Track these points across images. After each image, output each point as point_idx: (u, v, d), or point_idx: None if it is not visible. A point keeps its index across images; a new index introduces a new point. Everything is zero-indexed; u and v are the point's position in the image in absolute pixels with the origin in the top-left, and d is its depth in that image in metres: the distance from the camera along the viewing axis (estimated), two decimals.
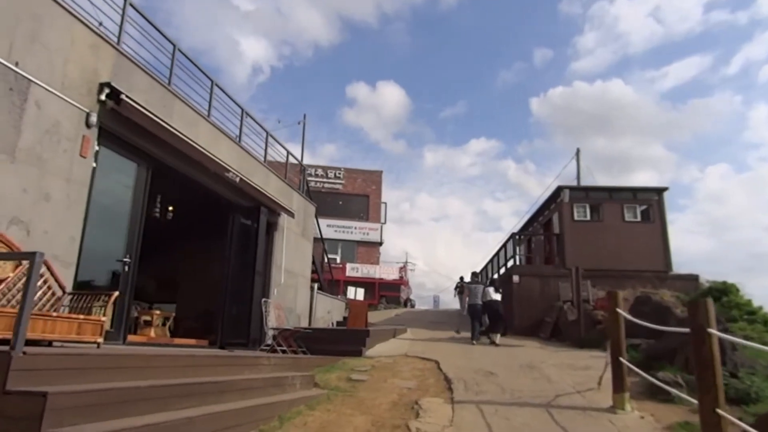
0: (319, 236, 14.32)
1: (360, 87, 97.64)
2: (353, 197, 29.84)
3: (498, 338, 10.77)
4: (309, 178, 29.83)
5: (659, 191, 15.42)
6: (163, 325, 8.75)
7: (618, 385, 5.06)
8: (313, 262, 13.14)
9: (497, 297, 11.46)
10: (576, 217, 14.99)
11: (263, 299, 8.27)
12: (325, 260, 14.86)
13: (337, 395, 5.48)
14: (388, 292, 27.68)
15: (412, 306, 28.41)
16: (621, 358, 5.12)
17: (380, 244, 29.81)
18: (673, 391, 5.07)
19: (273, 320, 8.57)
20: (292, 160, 11.72)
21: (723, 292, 12.79)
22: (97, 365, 3.17)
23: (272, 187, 9.60)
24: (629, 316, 5.31)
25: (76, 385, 2.78)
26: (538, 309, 13.65)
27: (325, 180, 29.65)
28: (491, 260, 18.91)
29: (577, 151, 24.16)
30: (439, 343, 10.86)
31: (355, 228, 28.99)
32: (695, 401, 4.61)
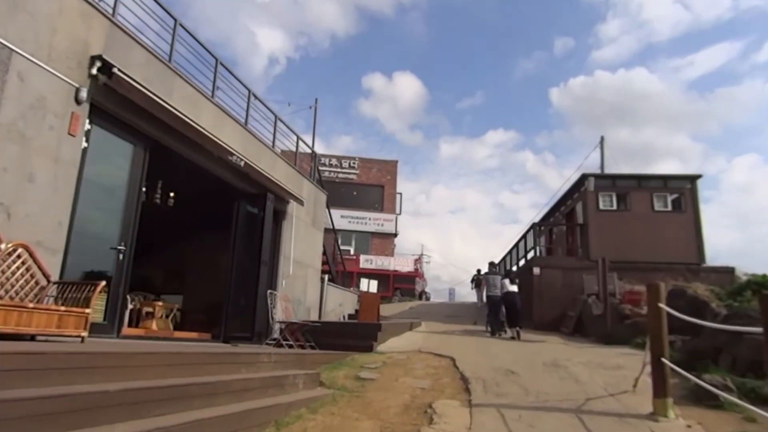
0: (330, 226, 13.87)
1: (376, 78, 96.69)
2: (368, 187, 29.34)
3: (516, 332, 10.27)
4: (322, 168, 29.41)
5: (692, 179, 14.54)
6: (167, 317, 8.41)
7: (660, 389, 4.48)
8: (324, 253, 12.70)
9: (514, 288, 10.91)
10: (601, 207, 14.24)
11: (269, 291, 7.85)
12: (337, 251, 14.40)
13: (343, 396, 5.01)
14: (402, 285, 27.19)
15: (427, 299, 27.93)
16: (663, 359, 4.53)
17: (395, 235, 29.30)
18: (723, 395, 4.48)
19: (280, 313, 8.15)
20: (302, 146, 11.24)
21: (763, 285, 11.94)
22: (62, 365, 2.75)
23: (280, 173, 9.15)
24: (675, 312, 4.71)
25: (25, 390, 2.34)
26: (560, 302, 13.01)
27: (339, 170, 29.20)
28: (510, 252, 18.26)
29: (601, 140, 23.23)
30: (455, 337, 10.34)
31: (370, 219, 28.52)
32: (750, 407, 4.03)
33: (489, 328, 10.95)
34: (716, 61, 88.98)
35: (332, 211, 29.00)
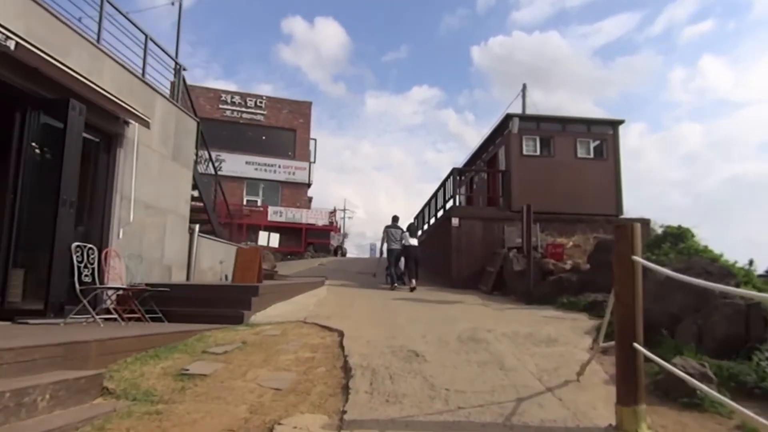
0: (206, 164, 11.22)
1: (297, 22, 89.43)
2: (277, 131, 26.31)
3: (414, 283, 10.62)
4: (224, 107, 25.77)
5: (614, 124, 13.70)
6: None
7: (629, 393, 2.89)
8: (201, 199, 10.15)
9: (414, 242, 11.16)
10: (525, 152, 12.98)
11: (76, 243, 5.35)
12: (221, 197, 11.82)
13: (131, 414, 2.94)
14: (316, 240, 25.20)
15: (343, 254, 26.22)
16: (636, 345, 2.94)
17: (308, 185, 26.87)
18: (703, 387, 3.03)
19: (106, 274, 5.74)
20: (163, 57, 8.36)
21: (679, 237, 11.44)
22: None
23: (109, 79, 6.40)
24: (673, 273, 3.12)
25: None
26: (479, 257, 11.75)
27: (243, 109, 25.73)
28: (428, 202, 16.78)
29: (524, 87, 22.21)
30: (357, 298, 8.57)
31: (279, 166, 25.73)
32: (745, 411, 2.61)
33: (388, 281, 11.13)
34: (617, 31, 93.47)
35: (237, 156, 25.81)
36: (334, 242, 25.70)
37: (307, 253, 23.78)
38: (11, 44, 4.58)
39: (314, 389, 3.51)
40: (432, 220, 15.74)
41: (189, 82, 10.62)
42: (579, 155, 13.10)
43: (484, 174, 15.27)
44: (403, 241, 10.93)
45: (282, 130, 26.33)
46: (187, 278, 8.50)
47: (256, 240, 14.89)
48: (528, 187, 12.57)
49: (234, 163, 24.90)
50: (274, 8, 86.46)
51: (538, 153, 13.07)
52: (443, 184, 14.03)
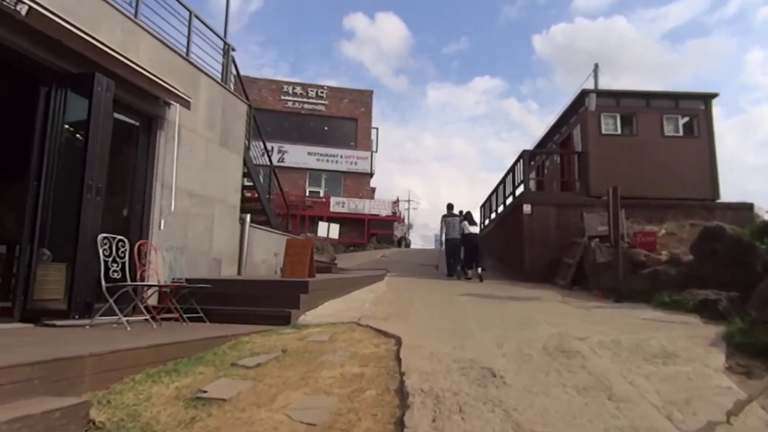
0: (261, 154, 10.80)
1: (358, 18, 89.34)
2: (339, 121, 25.92)
3: (480, 272, 10.18)
4: (286, 98, 25.77)
5: (706, 98, 11.68)
6: None
7: None
8: (254, 188, 9.73)
9: (474, 230, 10.77)
10: (604, 131, 11.35)
11: (102, 235, 4.92)
12: (276, 187, 11.38)
13: None
14: (379, 230, 24.60)
15: (407, 245, 25.45)
16: None
17: (371, 175, 26.30)
18: None
19: (147, 270, 5.32)
20: (208, 34, 7.92)
21: None
22: None
23: (146, 56, 5.96)
24: None
25: None
26: (554, 247, 10.43)
27: (305, 100, 25.58)
28: (496, 189, 15.47)
29: (596, 67, 20.16)
30: (418, 296, 7.68)
31: (341, 156, 25.36)
32: None
33: (450, 273, 10.76)
34: (687, 13, 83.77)
35: (299, 147, 25.78)
36: (397, 233, 24.97)
37: (369, 245, 23.24)
38: (23, 9, 4.13)
39: (358, 426, 2.67)
40: (500, 208, 14.45)
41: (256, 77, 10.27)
42: (666, 133, 11.27)
43: (557, 157, 13.70)
44: (464, 230, 10.57)
45: (343, 119, 25.91)
46: (238, 272, 8.07)
47: (315, 231, 14.46)
48: (608, 170, 10.97)
49: (296, 154, 24.92)
50: (336, 6, 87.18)
51: (618, 132, 11.40)
52: (512, 169, 12.72)
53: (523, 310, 6.50)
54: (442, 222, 11.03)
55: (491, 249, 15.05)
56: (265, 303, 5.71)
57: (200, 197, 7.11)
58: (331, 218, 23.34)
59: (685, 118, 11.51)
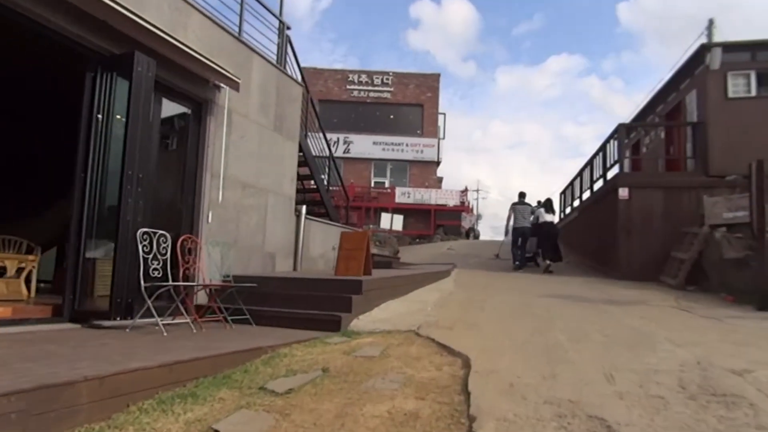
0: (318, 139, 10.18)
1: (424, 5, 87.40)
2: (404, 107, 25.00)
3: (549, 263, 9.83)
4: (352, 87, 25.29)
5: None
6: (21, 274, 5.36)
7: None
8: (312, 177, 9.14)
9: (550, 218, 10.30)
10: (731, 94, 9.34)
11: (142, 230, 4.43)
12: (337, 177, 10.71)
13: None
14: (446, 221, 23.45)
15: (476, 237, 24.04)
16: None
17: (437, 163, 25.16)
18: None
19: (203, 268, 4.84)
20: (265, 15, 7.34)
21: None
22: None
23: (195, 35, 5.45)
24: None
25: None
26: (659, 238, 8.79)
27: (370, 88, 24.93)
28: (580, 173, 13.71)
29: (710, 23, 17.26)
30: (489, 295, 6.59)
31: (407, 145, 24.46)
32: None
33: (515, 262, 10.34)
34: None
35: (364, 137, 25.29)
36: (465, 224, 23.65)
37: (436, 236, 22.18)
38: None
39: None
40: (585, 195, 12.74)
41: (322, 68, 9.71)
42: None
43: (660, 131, 11.69)
44: (539, 218, 10.10)
45: (409, 106, 24.94)
46: (294, 267, 7.49)
47: (378, 223, 13.74)
48: (737, 143, 9.01)
49: (361, 144, 24.42)
50: None
51: (753, 94, 9.30)
52: (602, 148, 11.01)
53: (629, 317, 5.21)
54: (510, 210, 10.57)
55: (575, 242, 13.40)
56: (314, 304, 4.99)
57: (252, 187, 6.57)
58: (396, 209, 22.58)
59: None
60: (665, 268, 8.35)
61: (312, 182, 9.25)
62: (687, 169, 9.91)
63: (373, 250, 9.79)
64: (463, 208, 23.83)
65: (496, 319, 5.06)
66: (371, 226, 14.04)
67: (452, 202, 23.42)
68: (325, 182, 9.77)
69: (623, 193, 9.01)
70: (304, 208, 7.60)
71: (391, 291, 5.93)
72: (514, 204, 10.57)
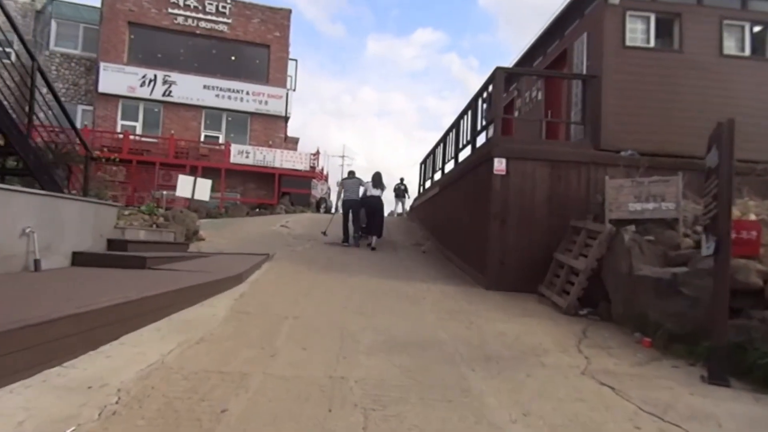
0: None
1: None
2: (246, 46, 20.08)
3: (375, 241, 9.58)
4: (176, 11, 19.48)
5: None
6: None
7: None
8: None
9: (377, 192, 9.92)
10: (629, 41, 7.16)
11: None
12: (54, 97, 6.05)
13: None
14: (294, 189, 19.68)
15: (327, 210, 20.71)
16: None
17: (286, 119, 20.99)
18: None
19: None
20: None
21: None
22: None
23: None
24: None
25: None
26: (542, 231, 6.33)
27: (201, 16, 19.38)
28: (443, 139, 11.03)
29: None
30: (283, 335, 3.18)
31: (247, 93, 19.74)
32: None
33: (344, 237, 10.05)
34: None
35: (191, 77, 19.81)
36: (316, 193, 20.19)
37: (280, 206, 18.37)
38: None
39: None
40: (449, 166, 10.11)
41: None
42: (725, 51, 7.26)
43: (538, 92, 9.37)
44: (367, 192, 9.81)
45: (252, 45, 20.06)
46: None
47: (173, 187, 9.41)
48: (632, 108, 6.90)
49: (187, 87, 19.02)
50: None
51: (651, 44, 7.23)
52: (472, 104, 8.28)
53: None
54: (339, 185, 10.63)
55: (435, 225, 10.85)
56: None
57: None
58: (231, 171, 18.15)
59: (757, 26, 7.49)
60: (550, 276, 5.91)
61: None
62: (569, 139, 7.68)
63: (142, 235, 5.67)
64: (313, 174, 20.24)
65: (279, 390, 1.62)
66: (163, 194, 9.64)
67: (301, 165, 19.65)
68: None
69: (499, 165, 6.28)
70: None
71: (133, 314, 2.20)
72: (343, 179, 10.57)
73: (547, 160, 6.42)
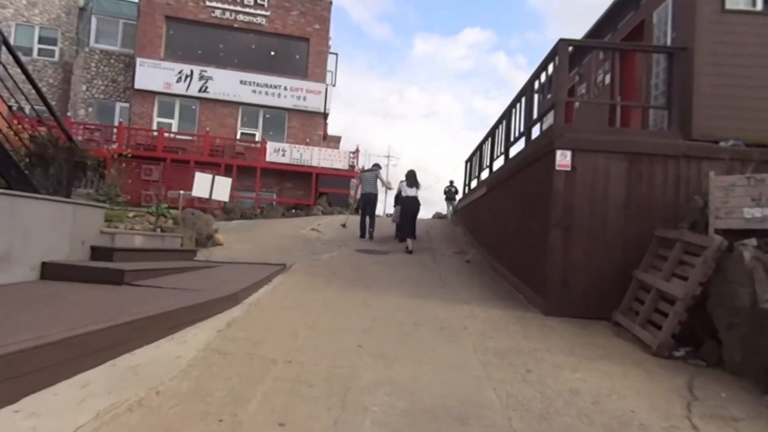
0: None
1: None
2: (284, 40, 19.54)
3: (411, 244, 8.71)
4: (213, 4, 19.21)
5: None
6: None
7: None
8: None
9: (412, 192, 9.21)
10: (728, 5, 5.69)
11: None
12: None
13: None
14: (332, 189, 18.98)
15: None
16: None
17: (325, 116, 20.29)
18: None
19: None
20: None
21: None
22: None
23: None
24: None
25: None
26: (618, 242, 5.03)
27: (239, 9, 19.00)
28: (492, 131, 9.76)
29: None
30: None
31: (286, 89, 19.17)
32: None
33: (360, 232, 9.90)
34: None
35: (228, 72, 19.32)
36: (355, 193, 19.37)
37: (317, 207, 17.68)
38: None
39: None
40: (498, 163, 8.85)
41: None
42: None
43: (606, 75, 7.91)
44: (402, 193, 9.42)
45: (291, 39, 19.48)
46: None
47: (190, 187, 8.75)
48: (737, 85, 5.44)
49: (224, 83, 18.70)
50: None
51: (758, 7, 5.72)
52: (526, 91, 7.00)
53: None
54: (358, 179, 10.60)
55: (482, 231, 9.63)
56: None
57: None
58: (267, 170, 17.64)
59: None
60: (625, 299, 4.63)
61: None
62: (649, 128, 6.27)
63: (137, 241, 4.94)
64: (353, 173, 19.39)
65: None
66: (180, 193, 9.02)
67: (339, 164, 18.84)
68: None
69: (562, 159, 5.03)
70: None
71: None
72: (362, 172, 10.76)
73: (625, 152, 5.09)
